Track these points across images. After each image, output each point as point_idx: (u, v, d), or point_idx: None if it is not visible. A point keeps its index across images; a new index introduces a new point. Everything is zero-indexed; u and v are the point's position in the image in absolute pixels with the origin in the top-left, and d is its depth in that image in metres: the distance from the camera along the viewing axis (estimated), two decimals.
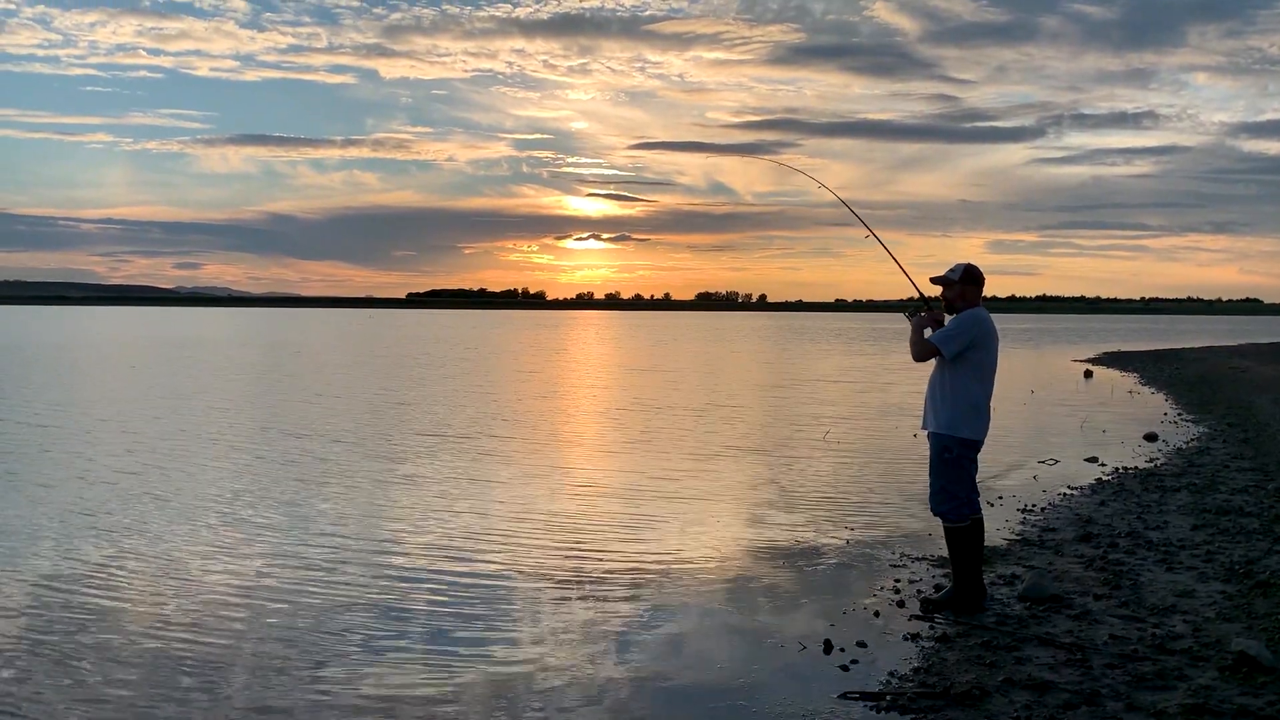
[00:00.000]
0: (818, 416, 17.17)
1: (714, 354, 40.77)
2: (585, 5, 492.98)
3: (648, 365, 33.05)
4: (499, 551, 7.69)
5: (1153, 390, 22.98)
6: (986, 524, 6.35)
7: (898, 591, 6.53)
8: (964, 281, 6.06)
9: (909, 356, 6.24)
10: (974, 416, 5.96)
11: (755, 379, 27.28)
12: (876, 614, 6.08)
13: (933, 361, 6.10)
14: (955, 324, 6.00)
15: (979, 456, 6.09)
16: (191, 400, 19.53)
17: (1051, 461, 12.03)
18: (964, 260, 6.16)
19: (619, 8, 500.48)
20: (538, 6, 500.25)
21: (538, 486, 10.50)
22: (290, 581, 6.86)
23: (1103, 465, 11.71)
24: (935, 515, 6.16)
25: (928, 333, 6.14)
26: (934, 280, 6.16)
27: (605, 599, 6.47)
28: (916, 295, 6.54)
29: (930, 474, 6.10)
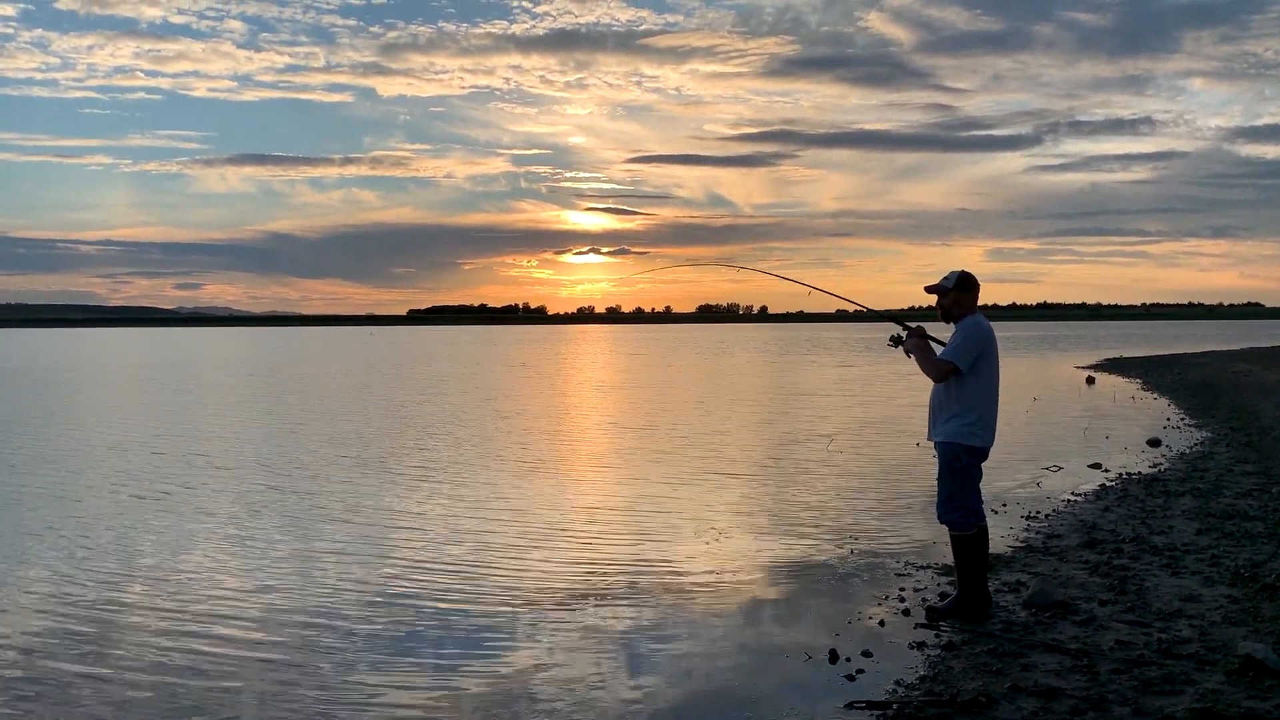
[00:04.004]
0: (821, 427, 17.16)
1: (717, 366, 40.76)
2: (581, 21, 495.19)
3: (650, 379, 33.06)
4: (502, 566, 7.68)
5: (1155, 396, 22.97)
6: (991, 531, 6.35)
7: (903, 600, 6.52)
8: (959, 288, 6.05)
9: (907, 365, 6.24)
10: (981, 424, 5.95)
11: (757, 391, 27.29)
12: (882, 623, 6.07)
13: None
14: (962, 335, 5.98)
15: (983, 464, 6.09)
16: (190, 423, 19.55)
17: (1055, 468, 12.02)
18: (964, 269, 6.15)
19: (615, 23, 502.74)
20: (534, 23, 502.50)
21: (541, 501, 10.50)
22: (292, 599, 6.86)
23: (1106, 471, 11.71)
24: (942, 523, 6.14)
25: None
26: (929, 289, 6.16)
27: (610, 612, 6.47)
28: (903, 308, 6.57)
29: (938, 482, 6.07)
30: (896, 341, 6.30)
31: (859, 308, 7.15)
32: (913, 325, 6.29)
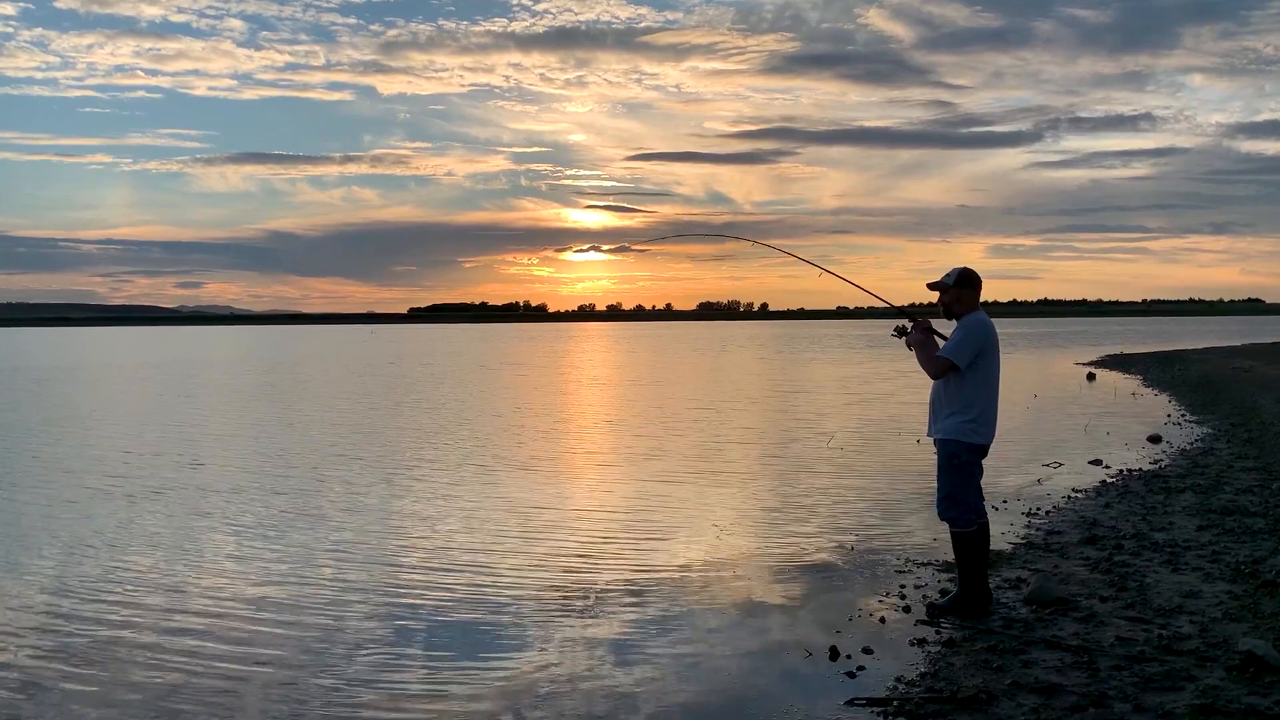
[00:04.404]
0: (821, 424, 17.16)
1: (721, 363, 40.74)
2: (581, 19, 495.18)
3: (650, 377, 33.06)
4: (503, 564, 7.69)
5: (1156, 392, 22.95)
6: (991, 528, 6.34)
7: (904, 597, 6.52)
8: (959, 285, 6.05)
9: (909, 362, 6.24)
10: (981, 422, 5.95)
11: (758, 388, 27.28)
12: (882, 620, 6.07)
13: None
14: (962, 332, 5.98)
15: (983, 461, 6.09)
16: (187, 424, 19.56)
17: (1055, 465, 12.02)
18: (966, 265, 6.15)
19: (614, 20, 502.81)
20: (533, 20, 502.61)
21: (539, 499, 10.51)
22: (294, 600, 6.87)
23: (1107, 468, 11.70)
24: (942, 521, 6.14)
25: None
26: (930, 286, 6.16)
27: (610, 609, 6.47)
28: (904, 304, 6.57)
29: (938, 480, 6.08)
30: (901, 333, 6.31)
31: (877, 299, 7.08)
32: (919, 319, 6.29)
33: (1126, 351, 44.20)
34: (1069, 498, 9.84)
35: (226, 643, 5.94)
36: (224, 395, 26.51)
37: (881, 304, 6.91)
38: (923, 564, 7.37)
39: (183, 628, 6.23)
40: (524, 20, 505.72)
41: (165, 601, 6.81)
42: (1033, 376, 28.98)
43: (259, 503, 10.38)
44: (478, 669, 5.46)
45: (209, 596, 6.92)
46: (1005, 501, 9.57)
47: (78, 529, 9.13)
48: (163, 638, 6.04)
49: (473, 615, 6.43)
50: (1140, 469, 11.49)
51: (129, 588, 7.16)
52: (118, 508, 10.17)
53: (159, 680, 5.34)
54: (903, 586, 6.77)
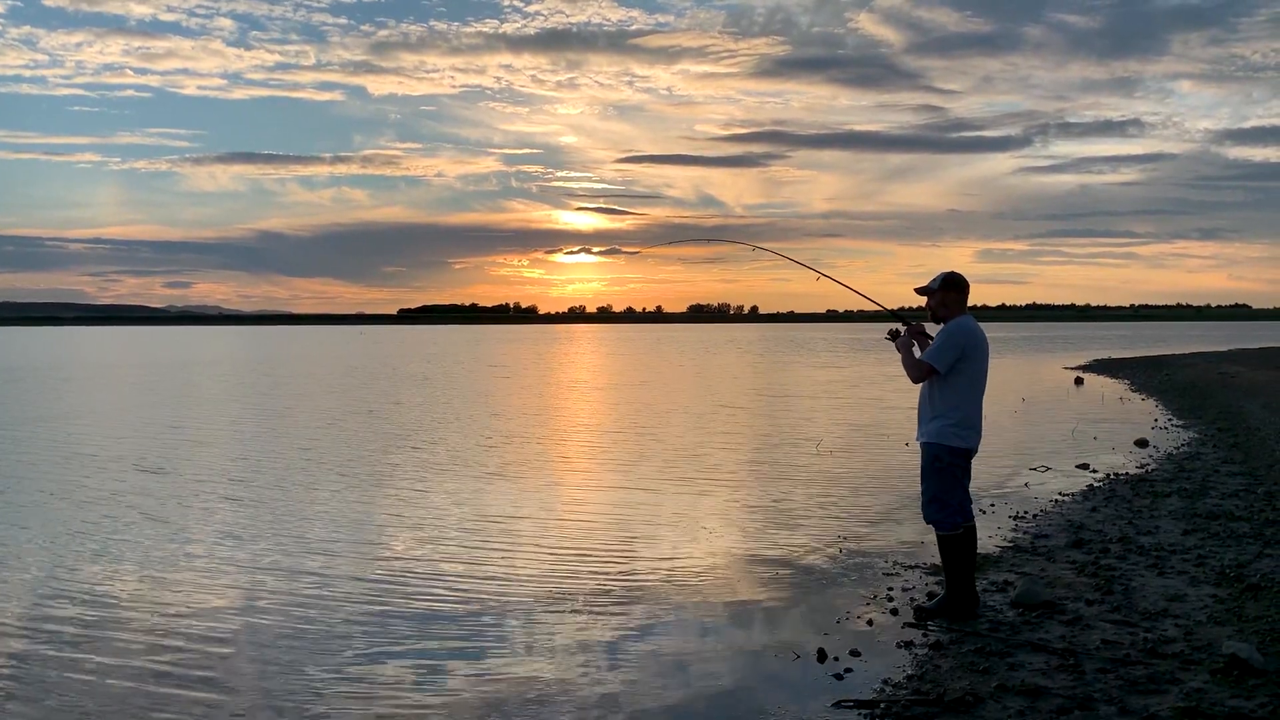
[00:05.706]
0: (810, 427, 17.19)
1: (706, 366, 40.76)
2: (572, 20, 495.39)
3: (639, 379, 33.06)
4: (492, 568, 7.68)
5: (1143, 396, 23.06)
6: (979, 531, 6.37)
7: (891, 600, 6.54)
8: (944, 289, 6.06)
9: (896, 366, 6.26)
10: (965, 426, 5.97)
11: (745, 392, 27.31)
12: (870, 622, 6.09)
13: None
14: (944, 337, 6.00)
15: (971, 465, 6.12)
16: (166, 426, 19.49)
17: (1043, 468, 12.07)
18: (953, 269, 6.17)
19: (605, 22, 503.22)
20: (525, 22, 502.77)
21: (529, 503, 10.50)
22: (281, 602, 6.85)
23: (1094, 472, 11.75)
24: (928, 524, 6.17)
25: (917, 352, 6.16)
26: (918, 290, 6.19)
27: (599, 612, 6.48)
28: (896, 308, 6.59)
29: (922, 483, 6.11)
30: (894, 336, 6.35)
31: (870, 303, 7.11)
32: (913, 323, 6.31)
33: (1114, 356, 44.37)
34: (1056, 501, 9.88)
35: (208, 652, 5.90)
36: (208, 397, 26.42)
37: (873, 307, 6.95)
38: (910, 567, 7.39)
39: (164, 633, 6.20)
40: (515, 22, 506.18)
41: (141, 610, 6.77)
42: (1021, 381, 29.08)
43: (249, 507, 10.34)
44: (463, 671, 5.46)
45: (189, 603, 6.90)
46: (993, 505, 9.61)
47: (56, 532, 9.08)
48: (141, 647, 6.01)
49: (460, 620, 6.42)
50: (1127, 473, 11.55)
51: (108, 592, 7.11)
52: (90, 513, 10.11)
53: (134, 690, 5.32)
54: (890, 589, 6.79)
